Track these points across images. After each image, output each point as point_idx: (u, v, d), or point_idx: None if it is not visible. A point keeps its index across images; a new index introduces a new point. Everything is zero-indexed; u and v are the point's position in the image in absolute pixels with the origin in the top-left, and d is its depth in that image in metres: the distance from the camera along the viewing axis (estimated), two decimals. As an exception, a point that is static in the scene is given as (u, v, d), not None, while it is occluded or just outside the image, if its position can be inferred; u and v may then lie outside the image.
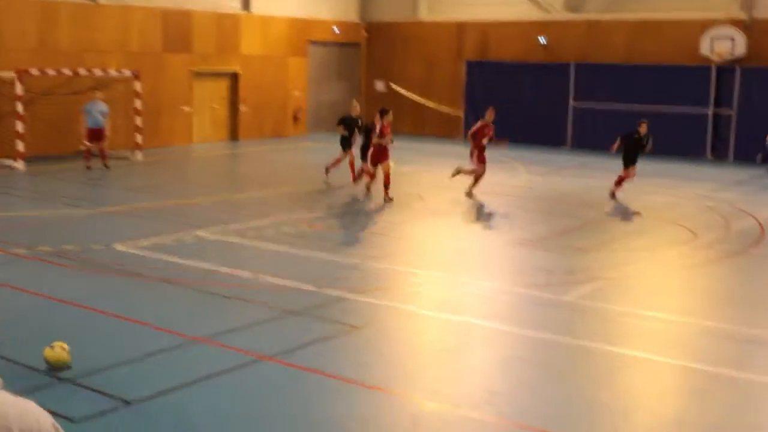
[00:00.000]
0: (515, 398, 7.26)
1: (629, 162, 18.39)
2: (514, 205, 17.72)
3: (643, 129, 18.33)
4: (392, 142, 17.71)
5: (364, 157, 18.29)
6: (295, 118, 30.10)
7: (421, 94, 30.07)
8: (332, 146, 21.16)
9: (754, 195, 19.90)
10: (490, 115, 18.39)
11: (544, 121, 28.95)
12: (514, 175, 22.24)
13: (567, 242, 14.28)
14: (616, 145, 18.38)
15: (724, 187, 20.70)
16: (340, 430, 6.49)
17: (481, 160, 18.25)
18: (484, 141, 18.21)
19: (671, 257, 13.60)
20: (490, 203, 17.95)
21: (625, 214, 17.50)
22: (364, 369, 7.80)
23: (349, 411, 6.82)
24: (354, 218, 16.31)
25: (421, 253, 13.29)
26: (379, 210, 16.60)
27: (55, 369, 7.30)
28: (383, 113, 17.60)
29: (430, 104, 29.78)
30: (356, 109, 19.82)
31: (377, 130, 17.52)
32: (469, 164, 18.51)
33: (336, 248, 13.10)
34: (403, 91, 30.21)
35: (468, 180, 18.42)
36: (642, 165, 19.07)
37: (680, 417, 7.03)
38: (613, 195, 18.33)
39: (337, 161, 19.54)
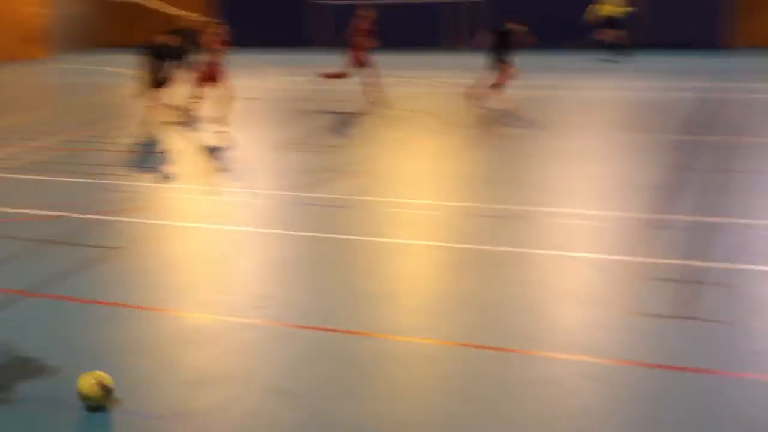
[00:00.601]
0: (287, 299, 7.40)
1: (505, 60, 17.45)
2: (265, 109, 17.68)
3: (514, 26, 17.29)
4: (221, 59, 15.36)
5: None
6: (36, 38, 28.17)
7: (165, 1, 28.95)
8: (80, 66, 20.06)
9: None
10: (365, 13, 17.98)
11: (283, 20, 28.85)
12: (264, 79, 22.13)
13: (321, 141, 14.51)
14: (484, 41, 17.56)
15: (472, 74, 21.58)
16: (116, 355, 6.37)
17: (358, 61, 17.84)
18: (363, 41, 17.75)
19: (424, 146, 14.16)
20: (242, 109, 17.81)
21: (375, 108, 17.90)
22: (134, 290, 7.66)
23: (124, 335, 6.69)
24: (107, 137, 15.67)
25: (179, 166, 13.05)
26: (134, 126, 16.04)
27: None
28: (206, 26, 15.88)
29: (173, 11, 28.77)
30: (190, 18, 17.18)
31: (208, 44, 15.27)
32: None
33: (89, 170, 12.59)
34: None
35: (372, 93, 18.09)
36: (384, 57, 19.42)
37: (441, 295, 7.45)
38: (476, 98, 17.49)
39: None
